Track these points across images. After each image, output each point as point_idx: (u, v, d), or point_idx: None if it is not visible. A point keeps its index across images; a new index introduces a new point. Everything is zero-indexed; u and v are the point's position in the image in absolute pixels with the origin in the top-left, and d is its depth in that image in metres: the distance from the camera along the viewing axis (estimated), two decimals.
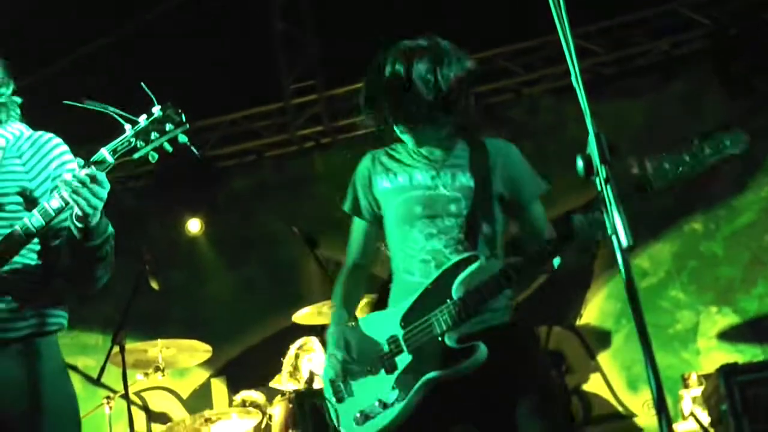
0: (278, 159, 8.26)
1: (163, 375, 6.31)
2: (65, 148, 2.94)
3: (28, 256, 2.85)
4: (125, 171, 7.94)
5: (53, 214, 2.68)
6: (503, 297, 3.02)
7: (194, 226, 7.99)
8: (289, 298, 7.21)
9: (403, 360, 3.02)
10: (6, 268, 2.77)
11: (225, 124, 8.08)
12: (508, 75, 7.80)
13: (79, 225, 2.69)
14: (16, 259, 2.80)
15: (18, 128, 2.98)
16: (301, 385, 6.21)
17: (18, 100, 3.02)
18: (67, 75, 6.53)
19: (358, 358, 3.07)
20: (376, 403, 3.02)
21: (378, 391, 3.04)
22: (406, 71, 3.04)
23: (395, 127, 3.14)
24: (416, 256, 3.10)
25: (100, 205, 2.66)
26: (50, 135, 2.96)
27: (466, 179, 3.11)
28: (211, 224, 8.05)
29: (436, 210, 3.09)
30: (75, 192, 2.61)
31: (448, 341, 2.95)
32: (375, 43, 3.17)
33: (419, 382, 2.96)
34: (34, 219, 2.69)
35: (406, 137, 3.16)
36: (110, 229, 2.81)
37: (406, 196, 3.14)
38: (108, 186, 2.67)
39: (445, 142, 3.18)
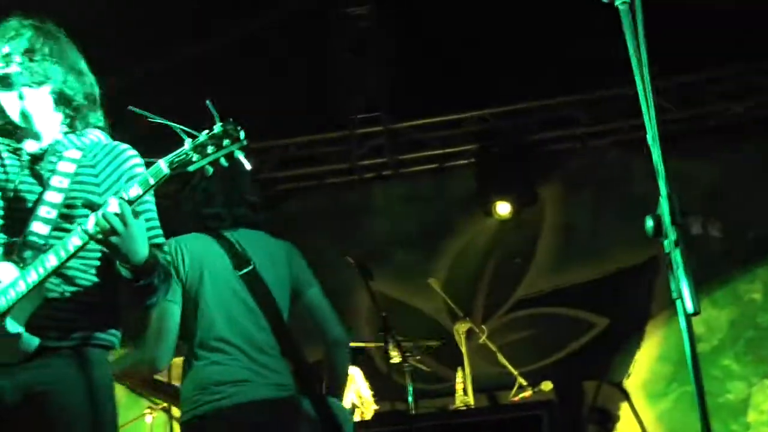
0: (336, 187, 8.25)
1: None
2: (139, 161, 2.90)
3: (89, 272, 2.83)
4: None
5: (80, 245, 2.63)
6: None
7: None
8: None
9: None
10: (67, 282, 2.77)
11: (288, 146, 8.09)
12: (573, 124, 7.75)
13: (123, 265, 2.68)
14: (77, 273, 2.79)
15: (96, 135, 2.97)
16: None
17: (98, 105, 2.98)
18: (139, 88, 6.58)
19: None
20: None
21: None
22: None
23: None
24: None
25: (125, 244, 2.61)
26: (126, 147, 2.94)
27: None
28: None
29: None
30: (102, 233, 2.57)
31: None
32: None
33: None
34: (74, 238, 2.63)
35: None
36: (160, 261, 2.78)
37: None
38: (137, 224, 2.60)
39: None
